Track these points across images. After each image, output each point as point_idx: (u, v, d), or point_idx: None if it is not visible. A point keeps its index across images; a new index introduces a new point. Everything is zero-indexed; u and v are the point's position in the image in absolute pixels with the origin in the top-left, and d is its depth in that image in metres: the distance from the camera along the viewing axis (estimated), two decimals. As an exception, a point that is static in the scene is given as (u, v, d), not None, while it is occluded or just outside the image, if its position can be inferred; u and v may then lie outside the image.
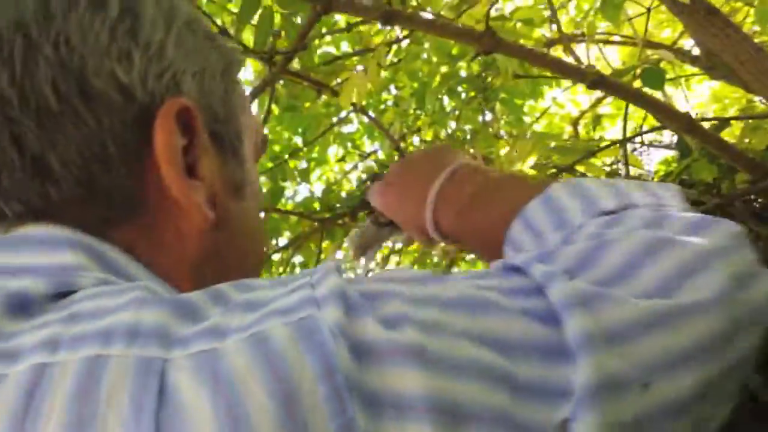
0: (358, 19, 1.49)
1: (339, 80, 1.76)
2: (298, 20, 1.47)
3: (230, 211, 0.46)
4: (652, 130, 1.79)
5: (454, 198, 0.65)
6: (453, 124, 2.24)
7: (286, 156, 2.17)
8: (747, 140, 1.61)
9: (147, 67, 0.42)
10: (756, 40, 2.03)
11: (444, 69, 1.82)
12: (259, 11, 1.39)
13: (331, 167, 2.52)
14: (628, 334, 0.32)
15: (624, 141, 1.73)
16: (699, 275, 0.36)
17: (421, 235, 0.72)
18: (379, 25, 1.48)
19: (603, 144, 2.26)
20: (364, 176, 2.29)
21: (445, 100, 2.12)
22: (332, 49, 2.13)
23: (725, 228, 0.41)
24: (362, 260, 0.97)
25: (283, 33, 1.44)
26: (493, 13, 2.14)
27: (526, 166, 1.79)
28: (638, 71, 1.39)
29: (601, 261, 0.38)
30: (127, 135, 0.41)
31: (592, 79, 1.26)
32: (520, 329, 0.32)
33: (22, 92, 0.39)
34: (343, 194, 2.25)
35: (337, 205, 2.19)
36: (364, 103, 2.09)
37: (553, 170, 1.99)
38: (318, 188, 2.54)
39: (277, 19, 1.41)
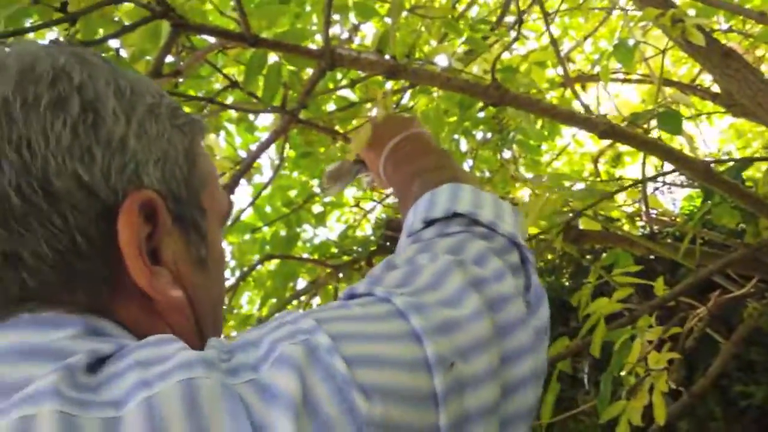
0: (364, 74, 1.48)
1: (354, 124, 1.76)
2: (308, 72, 1.47)
3: (196, 285, 0.50)
4: (673, 171, 1.75)
5: (398, 154, 0.89)
6: (470, 164, 2.22)
7: (302, 201, 2.16)
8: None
9: (109, 162, 0.45)
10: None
11: (455, 113, 1.80)
12: (267, 66, 1.40)
13: (349, 209, 2.51)
14: (441, 329, 0.46)
15: (643, 181, 1.69)
16: (472, 295, 0.51)
17: (378, 178, 0.97)
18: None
19: (624, 184, 2.22)
20: (381, 218, 2.27)
21: (462, 141, 2.10)
22: (350, 93, 2.13)
23: (497, 263, 0.56)
24: (333, 188, 1.15)
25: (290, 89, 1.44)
26: (506, 56, 2.13)
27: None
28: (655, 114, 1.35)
29: (416, 280, 0.52)
30: (92, 230, 0.44)
31: (603, 129, 1.23)
32: (387, 325, 0.45)
33: None
34: (360, 235, 2.24)
35: (355, 248, 2.18)
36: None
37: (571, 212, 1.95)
38: (337, 230, 2.53)
39: (285, 72, 1.41)
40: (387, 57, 1.37)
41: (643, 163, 1.59)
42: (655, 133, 1.60)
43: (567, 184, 1.99)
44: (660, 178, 2.01)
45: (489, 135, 2.10)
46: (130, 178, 0.45)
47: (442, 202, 0.66)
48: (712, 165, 1.33)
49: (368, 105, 1.91)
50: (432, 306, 0.48)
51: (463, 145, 2.11)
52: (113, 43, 1.46)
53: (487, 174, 2.23)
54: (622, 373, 1.27)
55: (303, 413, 0.36)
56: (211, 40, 1.58)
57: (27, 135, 0.42)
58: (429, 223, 0.65)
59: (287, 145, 1.83)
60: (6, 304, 0.43)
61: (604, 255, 1.60)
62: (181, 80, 1.73)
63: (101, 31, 1.39)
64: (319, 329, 0.41)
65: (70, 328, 0.41)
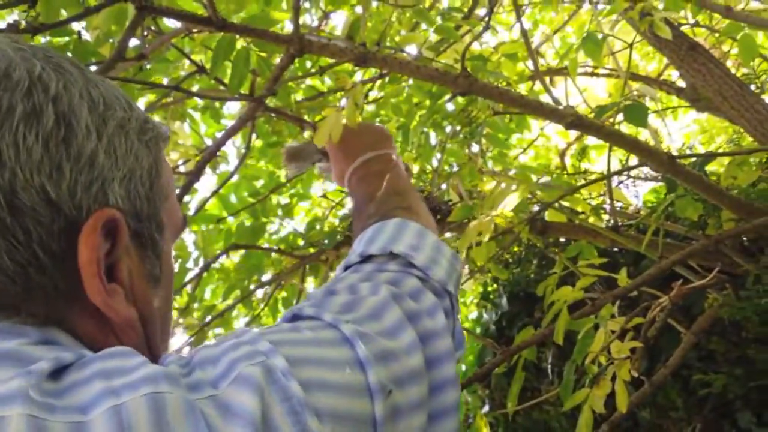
0: (332, 61, 1.47)
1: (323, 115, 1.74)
2: (277, 61, 1.45)
3: (147, 301, 0.51)
4: (638, 165, 1.77)
5: (366, 169, 0.93)
6: (438, 157, 2.22)
7: (268, 191, 2.14)
8: (733, 177, 1.58)
9: (77, 178, 0.45)
10: (739, 74, 2.03)
11: (426, 105, 1.80)
12: (235, 51, 1.38)
13: (318, 203, 2.49)
14: (381, 358, 0.50)
15: (609, 176, 1.71)
16: (408, 328, 0.55)
17: (338, 179, 1.01)
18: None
19: (589, 178, 2.25)
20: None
21: (432, 135, 2.10)
22: (319, 84, 2.11)
23: (431, 298, 0.62)
24: (290, 166, 1.17)
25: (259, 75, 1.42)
26: (476, 48, 2.13)
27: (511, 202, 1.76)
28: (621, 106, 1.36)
29: (359, 308, 0.56)
30: (54, 245, 0.44)
31: (570, 120, 1.24)
32: (336, 351, 0.49)
33: None
34: (328, 227, 2.22)
35: (324, 241, 2.16)
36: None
37: (537, 204, 1.96)
38: (301, 224, 2.51)
39: (254, 59, 1.39)
40: (357, 44, 1.36)
41: (609, 157, 1.61)
42: (624, 128, 1.61)
43: (534, 178, 2.00)
44: (625, 172, 2.04)
45: (458, 128, 2.11)
46: (95, 196, 0.46)
47: (383, 240, 0.70)
48: (678, 158, 1.34)
49: (338, 95, 1.90)
50: (374, 336, 0.52)
51: (433, 139, 2.11)
52: (76, 25, 1.42)
53: (456, 167, 2.24)
54: (586, 363, 1.29)
55: (262, 431, 0.38)
56: (178, 24, 1.56)
57: None
58: (366, 258, 0.69)
59: (254, 135, 1.81)
60: None
61: (568, 247, 1.61)
62: (147, 65, 1.69)
63: (64, 13, 1.36)
64: (276, 352, 0.43)
65: (26, 338, 0.42)
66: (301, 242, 2.12)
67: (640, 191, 2.57)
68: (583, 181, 2.18)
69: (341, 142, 1.01)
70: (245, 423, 0.38)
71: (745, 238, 1.78)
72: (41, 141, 0.43)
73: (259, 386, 0.40)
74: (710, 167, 2.00)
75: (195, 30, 1.49)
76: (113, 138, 0.48)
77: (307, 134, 2.07)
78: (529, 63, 2.23)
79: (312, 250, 2.09)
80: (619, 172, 1.81)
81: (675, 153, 2.44)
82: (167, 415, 0.36)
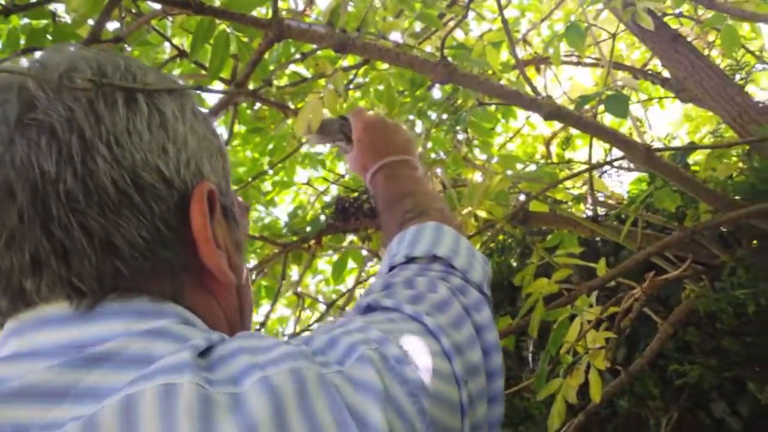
0: (314, 47, 1.46)
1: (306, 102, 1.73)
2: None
3: (240, 267, 0.56)
4: (620, 158, 1.77)
5: (396, 173, 0.95)
6: (424, 145, 2.21)
7: (250, 179, 2.13)
8: (712, 169, 1.59)
9: (179, 157, 0.50)
10: (724, 63, 2.03)
11: (406, 93, 1.78)
12: (215, 34, 1.36)
13: (302, 190, 2.48)
14: (457, 350, 0.55)
15: (590, 169, 1.71)
16: (467, 322, 0.60)
17: (360, 170, 1.02)
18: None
19: (573, 167, 2.25)
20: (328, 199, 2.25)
21: (418, 123, 2.09)
22: (302, 71, 2.10)
23: (475, 294, 0.66)
24: (311, 137, 1.20)
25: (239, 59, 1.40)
26: (461, 37, 2.12)
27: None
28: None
29: (424, 302, 0.59)
30: (171, 219, 0.49)
31: (549, 110, 1.24)
32: (428, 342, 0.52)
33: (86, 187, 0.45)
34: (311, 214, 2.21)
35: (306, 229, 2.15)
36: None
37: (520, 194, 1.97)
38: (286, 211, 2.50)
39: (235, 43, 1.37)
40: (338, 30, 1.35)
41: (590, 147, 1.61)
42: (609, 117, 1.61)
43: (519, 166, 2.00)
44: (607, 165, 2.04)
45: (445, 116, 2.10)
46: (194, 172, 0.51)
47: (425, 243, 0.75)
48: (656, 151, 1.34)
49: (322, 81, 1.89)
50: (447, 328, 0.56)
51: (419, 127, 2.11)
52: (52, 7, 1.40)
53: (442, 155, 2.23)
54: (561, 352, 1.29)
55: (388, 406, 0.42)
56: (156, 6, 1.54)
57: (113, 132, 0.47)
58: (410, 259, 0.73)
59: (236, 121, 1.80)
60: (101, 291, 0.46)
61: (549, 236, 1.62)
62: (128, 48, 1.67)
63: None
64: (388, 340, 0.48)
65: (169, 318, 0.46)
66: (283, 230, 2.11)
67: (624, 180, 2.58)
68: (567, 171, 2.18)
69: (373, 136, 1.03)
70: (373, 394, 0.42)
71: (723, 229, 1.79)
72: (145, 125, 0.49)
73: (378, 368, 0.44)
74: (693, 157, 2.01)
75: (174, 12, 1.47)
76: (192, 122, 0.54)
77: (290, 121, 2.06)
78: (515, 51, 2.22)
79: (294, 238, 2.09)
80: (600, 165, 1.81)
81: (659, 143, 2.45)
82: (308, 386, 0.40)
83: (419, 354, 0.50)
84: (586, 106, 1.37)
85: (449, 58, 1.25)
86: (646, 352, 1.58)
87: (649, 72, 2.25)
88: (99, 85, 0.48)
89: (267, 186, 2.38)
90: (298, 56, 1.82)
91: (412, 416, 0.44)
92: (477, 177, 2.28)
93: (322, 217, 2.00)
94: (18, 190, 0.45)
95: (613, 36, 1.65)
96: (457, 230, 0.80)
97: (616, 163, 1.98)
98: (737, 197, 1.45)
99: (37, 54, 0.52)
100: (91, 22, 1.43)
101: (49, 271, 0.45)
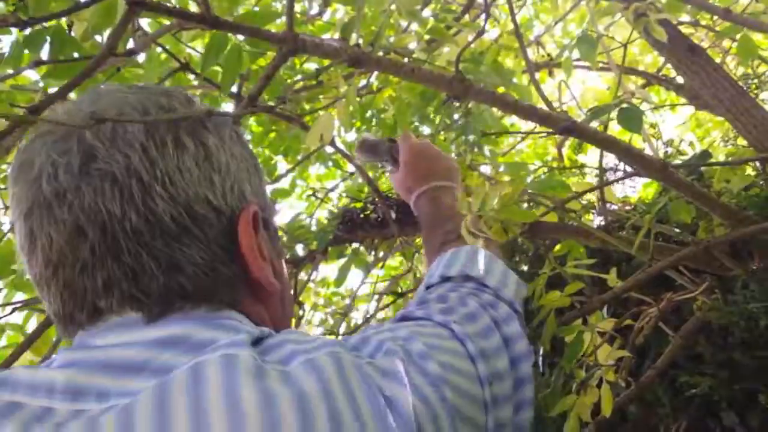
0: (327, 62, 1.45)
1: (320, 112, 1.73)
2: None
3: (282, 273, 0.63)
4: (631, 174, 1.76)
5: (439, 197, 1.04)
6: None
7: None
8: (726, 180, 1.58)
9: (223, 186, 0.57)
10: (738, 74, 2.01)
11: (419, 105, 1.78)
12: (228, 48, 1.36)
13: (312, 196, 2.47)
14: (482, 355, 0.61)
15: (601, 186, 1.70)
16: (495, 332, 0.66)
17: (405, 191, 1.11)
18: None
19: (585, 174, 2.24)
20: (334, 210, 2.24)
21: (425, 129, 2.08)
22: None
23: (504, 308, 0.73)
24: (361, 156, 1.28)
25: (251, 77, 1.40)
26: (475, 46, 2.10)
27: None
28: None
29: (455, 313, 0.66)
30: (224, 241, 0.56)
31: (563, 125, 1.24)
32: (454, 345, 0.60)
33: (149, 223, 0.52)
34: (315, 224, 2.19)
35: (310, 239, 2.13)
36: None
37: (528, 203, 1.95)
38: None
39: (246, 59, 1.37)
40: (351, 45, 1.34)
41: (600, 162, 1.60)
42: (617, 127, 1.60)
43: (531, 167, 1.99)
44: (618, 181, 2.03)
45: (456, 116, 2.08)
46: (238, 196, 0.58)
47: (459, 264, 0.82)
48: (672, 167, 1.34)
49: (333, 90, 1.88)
50: (473, 336, 0.62)
51: (426, 131, 2.10)
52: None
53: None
54: (572, 367, 1.29)
55: (413, 392, 0.48)
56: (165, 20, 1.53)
57: (167, 172, 0.53)
58: (445, 279, 0.80)
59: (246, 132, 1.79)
60: (168, 303, 0.52)
61: (559, 245, 1.61)
62: (140, 60, 1.67)
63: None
64: (415, 339, 0.55)
65: (230, 318, 0.54)
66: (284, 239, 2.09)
67: (637, 184, 2.57)
68: (580, 177, 2.17)
69: (419, 161, 1.10)
70: (399, 382, 0.48)
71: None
72: (193, 162, 0.55)
73: (403, 360, 0.51)
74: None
75: (187, 27, 1.47)
76: (232, 147, 0.60)
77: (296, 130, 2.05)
78: (527, 57, 2.21)
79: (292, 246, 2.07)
80: (613, 182, 1.80)
81: (669, 148, 2.43)
82: (345, 367, 0.47)
83: (442, 352, 0.56)
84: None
85: (464, 72, 1.25)
86: (658, 363, 1.57)
87: (663, 77, 2.24)
88: (147, 127, 0.54)
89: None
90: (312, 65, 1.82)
91: (435, 403, 0.50)
92: (484, 184, 2.27)
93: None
94: (89, 230, 0.51)
95: (624, 46, 1.64)
96: (494, 253, 0.88)
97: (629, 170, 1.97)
98: (751, 213, 1.45)
99: (82, 99, 0.58)
100: (98, 37, 1.43)
101: (119, 291, 0.52)
